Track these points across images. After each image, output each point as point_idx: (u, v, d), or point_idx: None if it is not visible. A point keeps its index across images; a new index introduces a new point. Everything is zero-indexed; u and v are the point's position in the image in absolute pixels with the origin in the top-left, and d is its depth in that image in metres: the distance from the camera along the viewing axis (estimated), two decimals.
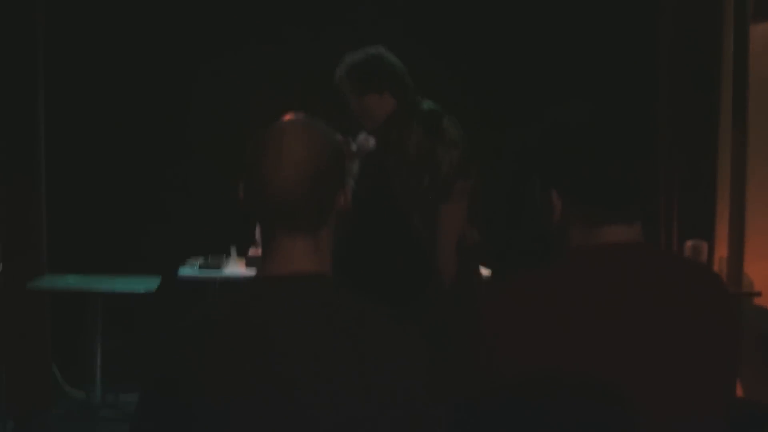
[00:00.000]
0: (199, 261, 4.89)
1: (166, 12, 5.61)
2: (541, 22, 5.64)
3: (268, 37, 5.58)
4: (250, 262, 4.76)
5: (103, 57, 5.52)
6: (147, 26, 5.58)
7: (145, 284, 4.56)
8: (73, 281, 4.67)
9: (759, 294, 4.72)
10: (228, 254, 5.11)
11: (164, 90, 5.64)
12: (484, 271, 4.79)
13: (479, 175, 3.49)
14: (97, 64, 5.51)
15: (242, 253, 5.00)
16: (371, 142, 3.53)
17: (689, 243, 4.75)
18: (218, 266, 4.82)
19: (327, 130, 1.56)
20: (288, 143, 1.49)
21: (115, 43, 5.54)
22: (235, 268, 4.87)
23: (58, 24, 5.17)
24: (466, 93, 5.73)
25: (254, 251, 4.80)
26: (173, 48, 5.61)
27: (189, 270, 4.83)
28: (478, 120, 5.71)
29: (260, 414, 1.36)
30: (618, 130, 1.49)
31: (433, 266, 3.40)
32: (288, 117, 1.63)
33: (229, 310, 1.48)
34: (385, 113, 3.52)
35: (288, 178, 1.47)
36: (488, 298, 1.52)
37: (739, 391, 4.42)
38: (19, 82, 4.83)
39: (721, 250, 4.95)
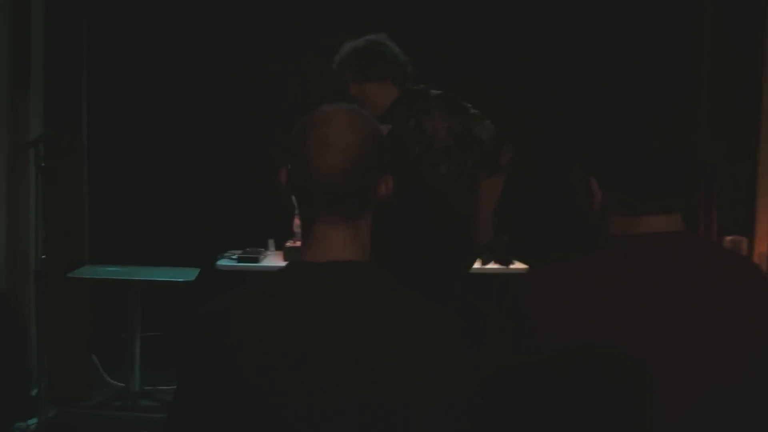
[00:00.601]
0: (238, 253, 4.93)
1: (204, 4, 5.66)
2: (581, 11, 5.61)
3: (305, 32, 5.60)
4: (287, 254, 4.79)
5: (143, 53, 5.58)
6: (185, 20, 5.62)
7: (184, 275, 4.60)
8: (113, 271, 4.73)
9: None
10: (266, 246, 5.14)
11: (203, 84, 5.69)
12: (519, 265, 4.79)
13: (512, 148, 3.53)
14: (137, 60, 5.57)
15: (280, 244, 5.03)
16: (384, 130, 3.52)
17: (728, 239, 4.70)
18: (256, 258, 4.85)
19: (370, 118, 1.55)
20: (333, 129, 1.48)
21: (156, 39, 5.59)
22: (273, 260, 4.90)
23: (100, 20, 5.23)
24: (505, 82, 5.73)
25: (292, 243, 4.82)
26: (211, 42, 5.65)
27: (227, 261, 4.86)
28: (518, 110, 5.72)
29: (292, 398, 1.36)
30: (659, 119, 1.47)
31: (473, 238, 3.50)
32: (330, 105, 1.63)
33: (263, 295, 1.47)
34: (387, 101, 3.49)
35: (332, 164, 1.46)
36: (527, 281, 1.51)
37: None
38: (63, 79, 4.89)
39: (761, 246, 4.89)
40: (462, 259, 3.62)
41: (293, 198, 1.58)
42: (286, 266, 1.52)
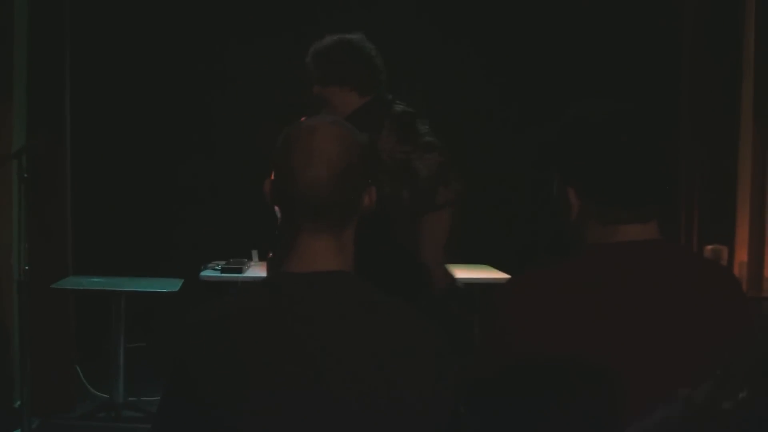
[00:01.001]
0: (222, 263, 4.93)
1: (189, 16, 5.67)
2: (564, 20, 5.66)
3: (293, 38, 5.61)
4: (271, 265, 4.79)
5: (127, 64, 5.59)
6: (169, 32, 5.63)
7: (167, 285, 4.60)
8: (97, 282, 4.72)
9: None
10: (250, 257, 5.15)
11: (187, 95, 5.70)
12: (498, 274, 4.82)
13: (462, 182, 3.23)
14: (121, 70, 5.58)
15: (264, 255, 5.04)
16: None
17: (709, 248, 4.74)
18: (240, 269, 4.85)
19: (355, 130, 1.56)
20: (318, 141, 1.49)
21: (140, 48, 5.59)
22: (257, 271, 4.91)
23: (84, 31, 5.23)
24: (491, 94, 5.77)
25: (275, 254, 4.82)
26: (196, 53, 5.66)
27: (211, 272, 4.87)
28: (502, 120, 5.76)
29: (277, 409, 1.36)
30: (635, 129, 1.50)
31: (422, 279, 3.17)
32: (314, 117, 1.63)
33: (247, 306, 1.48)
34: (347, 108, 3.17)
35: (317, 176, 1.47)
36: (506, 289, 1.54)
37: None
38: (46, 89, 4.88)
39: (742, 255, 4.94)
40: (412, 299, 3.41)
41: (276, 209, 1.59)
42: (270, 276, 1.54)
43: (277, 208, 1.58)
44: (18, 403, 4.43)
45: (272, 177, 1.55)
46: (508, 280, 1.59)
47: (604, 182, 1.49)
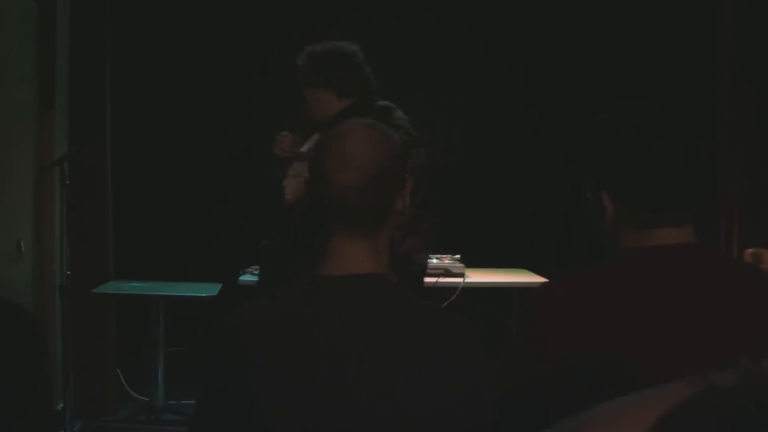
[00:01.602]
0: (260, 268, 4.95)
1: (227, 21, 5.71)
2: (604, 25, 5.63)
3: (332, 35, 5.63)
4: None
5: (167, 70, 5.64)
6: (209, 37, 5.68)
7: (206, 290, 4.64)
8: (137, 287, 4.77)
9: None
10: None
11: (226, 101, 5.74)
12: (531, 278, 4.80)
13: (423, 159, 3.34)
14: (161, 77, 5.63)
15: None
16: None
17: (749, 251, 4.68)
18: None
19: (390, 134, 1.57)
20: (351, 145, 1.50)
21: (179, 56, 5.65)
22: None
23: (124, 38, 5.30)
24: (523, 95, 5.75)
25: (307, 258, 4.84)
26: (235, 58, 5.70)
27: (249, 277, 4.90)
28: (536, 122, 5.74)
29: (312, 410, 1.38)
30: (670, 132, 1.49)
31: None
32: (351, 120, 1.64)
33: (280, 308, 1.49)
34: (329, 111, 3.43)
35: (349, 180, 1.48)
36: (539, 294, 1.54)
37: None
38: (87, 98, 4.96)
39: None
40: None
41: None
42: (302, 279, 1.55)
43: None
44: (61, 405, 4.49)
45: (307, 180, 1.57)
46: (542, 284, 1.59)
47: (638, 186, 1.48)
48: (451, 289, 4.57)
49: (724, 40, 5.15)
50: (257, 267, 4.97)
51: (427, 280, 4.60)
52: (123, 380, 5.14)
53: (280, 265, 3.50)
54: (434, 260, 4.79)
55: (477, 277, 4.83)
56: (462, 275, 4.71)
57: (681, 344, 1.40)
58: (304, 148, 3.54)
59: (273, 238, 3.64)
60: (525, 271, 5.12)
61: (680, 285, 1.44)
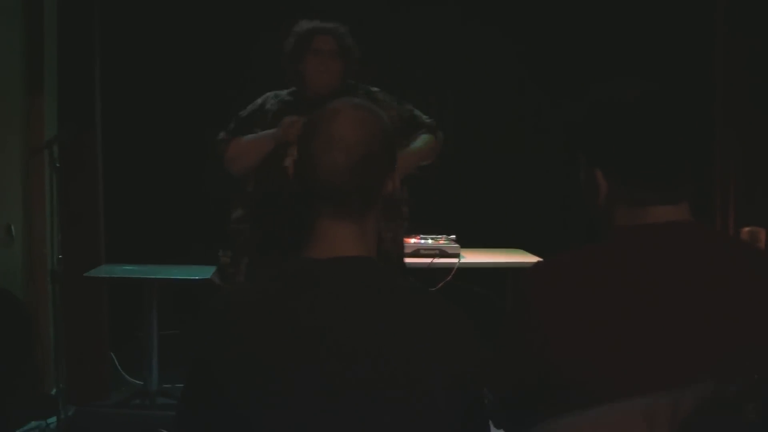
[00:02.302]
0: None
1: (217, 5, 5.66)
2: (601, 3, 5.60)
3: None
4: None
5: (156, 52, 5.60)
6: (197, 19, 5.63)
7: (200, 273, 4.62)
8: (130, 270, 4.75)
9: None
10: None
11: (218, 81, 5.70)
12: (524, 257, 4.78)
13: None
14: (150, 59, 5.59)
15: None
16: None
17: (746, 230, 4.66)
18: None
19: (380, 114, 1.54)
20: (341, 126, 1.47)
21: (169, 37, 5.60)
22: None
23: (113, 20, 5.25)
24: (519, 74, 5.72)
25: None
26: (224, 39, 5.66)
27: None
28: (532, 101, 5.71)
29: (298, 390, 1.36)
30: (664, 108, 1.46)
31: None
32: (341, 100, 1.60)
33: (265, 291, 1.47)
34: (335, 87, 3.42)
35: (337, 161, 1.45)
36: (533, 273, 1.50)
37: None
38: (76, 80, 4.92)
39: None
40: None
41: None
42: (289, 262, 1.52)
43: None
44: (54, 390, 4.48)
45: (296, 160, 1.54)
46: (535, 264, 1.56)
47: (632, 162, 1.45)
48: (446, 269, 4.56)
49: (721, 16, 5.11)
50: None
51: (422, 260, 4.60)
52: (117, 364, 5.12)
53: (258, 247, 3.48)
54: (429, 241, 4.77)
55: (472, 257, 4.81)
56: (457, 255, 4.69)
57: (676, 323, 1.37)
58: None
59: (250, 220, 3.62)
60: (520, 251, 5.10)
61: (675, 263, 1.41)
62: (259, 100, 3.60)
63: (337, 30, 3.51)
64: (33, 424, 4.39)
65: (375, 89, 3.55)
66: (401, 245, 3.58)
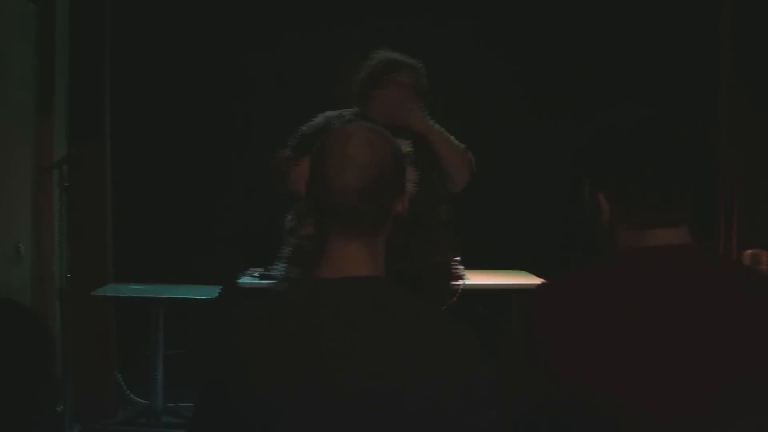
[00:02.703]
0: (260, 270, 4.95)
1: (225, 22, 5.71)
2: (602, 22, 5.63)
3: (333, 44, 5.62)
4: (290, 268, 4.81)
5: (166, 72, 5.64)
6: (207, 38, 5.67)
7: (206, 293, 4.64)
8: (137, 289, 4.77)
9: None
10: None
11: (225, 102, 5.73)
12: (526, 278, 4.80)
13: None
14: (160, 79, 5.63)
15: None
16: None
17: (748, 252, 4.68)
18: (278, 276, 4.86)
19: (390, 138, 1.57)
20: (352, 148, 1.50)
21: (178, 56, 5.64)
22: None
23: (123, 40, 5.30)
24: (522, 94, 5.75)
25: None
26: (233, 57, 5.69)
27: (249, 279, 4.90)
28: (537, 123, 5.74)
29: (308, 409, 1.38)
30: (663, 134, 1.50)
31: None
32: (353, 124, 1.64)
33: (277, 310, 1.49)
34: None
35: (348, 183, 1.48)
36: (536, 294, 1.54)
37: None
38: (87, 99, 4.96)
39: None
40: None
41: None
42: (301, 282, 1.55)
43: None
44: (60, 408, 4.49)
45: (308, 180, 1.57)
46: (541, 283, 1.59)
47: (632, 187, 1.49)
48: (451, 291, 4.56)
49: (725, 40, 5.15)
50: (256, 269, 4.97)
51: None
52: (122, 383, 5.13)
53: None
54: None
55: (476, 278, 4.82)
56: (462, 277, 4.70)
57: (677, 345, 1.40)
58: None
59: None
60: (524, 272, 5.12)
61: (676, 287, 1.44)
62: (321, 120, 3.57)
63: (420, 70, 3.58)
64: None
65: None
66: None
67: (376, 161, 1.49)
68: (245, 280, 4.88)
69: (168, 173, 5.68)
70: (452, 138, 3.60)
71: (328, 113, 3.64)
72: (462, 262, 4.81)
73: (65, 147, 4.81)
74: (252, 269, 5.02)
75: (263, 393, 1.40)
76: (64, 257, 4.36)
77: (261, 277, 4.86)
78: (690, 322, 1.41)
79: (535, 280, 4.84)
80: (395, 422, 1.37)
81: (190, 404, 4.70)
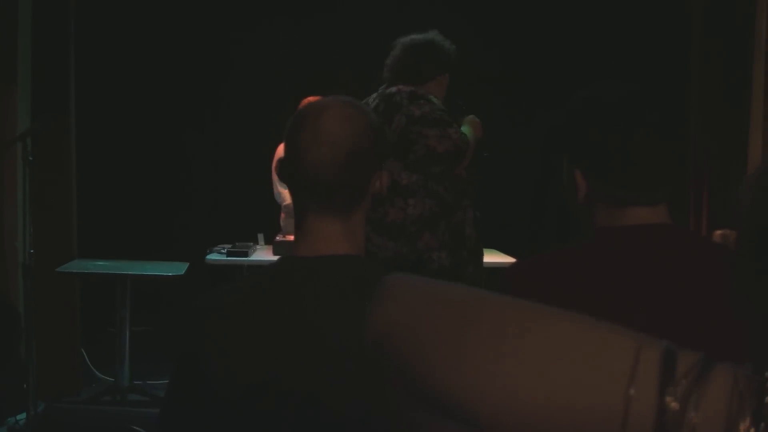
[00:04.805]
0: (227, 247, 4.91)
1: (193, 9, 5.65)
2: (573, 7, 5.63)
3: (293, 26, 5.59)
4: (277, 249, 4.78)
5: (132, 45, 5.57)
6: (175, 13, 5.61)
7: (173, 269, 4.59)
8: (102, 266, 4.71)
9: None
10: (255, 240, 5.13)
11: (192, 78, 5.68)
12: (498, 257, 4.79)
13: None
14: (125, 52, 5.56)
15: (270, 239, 5.02)
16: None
17: (718, 232, 4.68)
18: (245, 252, 4.83)
19: (367, 111, 1.53)
20: (327, 121, 1.46)
21: (145, 31, 5.57)
22: (263, 254, 4.89)
23: (88, 12, 5.21)
24: (493, 73, 5.73)
25: (281, 237, 4.81)
26: (201, 36, 5.64)
27: (217, 256, 4.85)
28: (505, 101, 5.73)
29: (287, 391, 1.35)
30: (644, 111, 1.47)
31: None
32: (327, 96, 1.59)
33: (255, 290, 1.47)
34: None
35: (322, 157, 1.44)
36: (511, 273, 1.51)
37: None
38: (50, 72, 4.87)
39: None
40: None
41: (281, 193, 1.57)
42: (278, 261, 1.52)
43: (281, 190, 1.56)
44: (24, 386, 4.43)
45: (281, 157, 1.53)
46: (514, 263, 1.56)
47: (612, 164, 1.46)
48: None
49: (696, 21, 5.15)
50: (224, 246, 4.93)
51: None
52: (88, 360, 5.08)
53: None
54: None
55: None
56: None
57: (654, 322, 1.37)
58: None
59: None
60: (494, 251, 5.11)
61: (653, 265, 1.42)
62: (437, 101, 3.47)
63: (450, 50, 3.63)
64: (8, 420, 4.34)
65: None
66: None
67: (351, 134, 1.45)
68: (213, 256, 4.83)
69: (134, 148, 5.63)
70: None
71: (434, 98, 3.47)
72: None
73: (29, 120, 4.72)
74: (220, 246, 4.97)
75: (239, 374, 1.37)
76: (27, 233, 4.29)
77: (229, 254, 4.81)
78: (666, 302, 1.39)
79: (506, 259, 4.84)
80: (370, 401, 1.34)
81: (157, 381, 4.70)
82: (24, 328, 4.49)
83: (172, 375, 1.49)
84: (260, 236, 5.17)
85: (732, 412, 0.56)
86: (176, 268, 4.59)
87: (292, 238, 1.58)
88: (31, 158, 4.20)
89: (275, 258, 4.49)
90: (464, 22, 5.66)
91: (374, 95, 3.46)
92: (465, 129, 3.49)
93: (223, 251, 4.89)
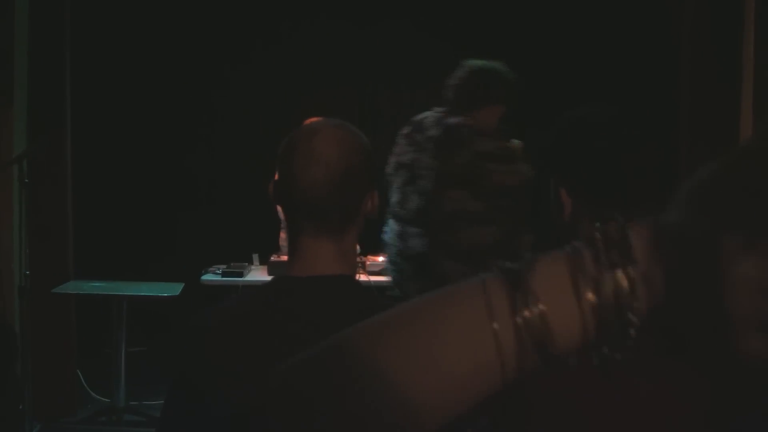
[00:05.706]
0: (222, 267, 4.93)
1: (192, 17, 5.68)
2: (562, 20, 5.67)
3: (295, 40, 5.61)
4: (272, 269, 4.80)
5: (128, 67, 5.60)
6: (169, 34, 5.64)
7: (168, 290, 4.60)
8: (98, 287, 4.72)
9: None
10: (250, 260, 5.15)
11: (188, 98, 5.70)
12: None
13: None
14: (121, 74, 5.59)
15: (265, 259, 5.04)
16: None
17: None
18: (241, 272, 4.85)
19: (359, 134, 1.55)
20: (319, 143, 1.48)
21: (140, 52, 5.60)
22: (258, 275, 4.91)
23: (84, 34, 5.24)
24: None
25: (276, 257, 4.83)
26: (197, 54, 5.67)
27: (212, 276, 4.87)
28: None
29: None
30: (628, 132, 1.51)
31: None
32: (320, 119, 1.61)
33: (248, 310, 1.48)
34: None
35: (316, 178, 1.46)
36: None
37: None
38: (47, 93, 4.90)
39: None
40: None
41: (280, 211, 1.58)
42: (272, 281, 1.53)
43: (280, 209, 1.58)
44: (20, 407, 4.44)
45: (275, 178, 1.55)
46: None
47: (593, 182, 1.50)
48: None
49: (687, 29, 5.18)
50: (219, 266, 4.94)
51: (385, 278, 4.61)
52: (83, 381, 5.08)
53: None
54: None
55: None
56: None
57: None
58: None
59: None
60: None
61: None
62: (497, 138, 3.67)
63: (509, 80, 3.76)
64: None
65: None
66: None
67: (343, 157, 1.48)
68: (208, 277, 4.85)
69: (130, 170, 5.65)
70: None
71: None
72: None
73: (25, 142, 4.75)
74: (215, 266, 4.99)
75: (231, 394, 1.38)
76: (23, 254, 4.30)
77: (224, 274, 4.83)
78: None
79: None
80: None
81: (152, 402, 4.69)
82: (20, 350, 4.50)
83: (167, 394, 1.49)
84: (255, 256, 5.18)
85: (576, 284, 0.59)
86: (172, 289, 4.60)
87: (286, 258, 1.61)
88: (27, 180, 4.23)
89: (270, 278, 4.49)
90: (449, 46, 5.71)
91: (428, 114, 3.54)
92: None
93: (218, 272, 4.91)
